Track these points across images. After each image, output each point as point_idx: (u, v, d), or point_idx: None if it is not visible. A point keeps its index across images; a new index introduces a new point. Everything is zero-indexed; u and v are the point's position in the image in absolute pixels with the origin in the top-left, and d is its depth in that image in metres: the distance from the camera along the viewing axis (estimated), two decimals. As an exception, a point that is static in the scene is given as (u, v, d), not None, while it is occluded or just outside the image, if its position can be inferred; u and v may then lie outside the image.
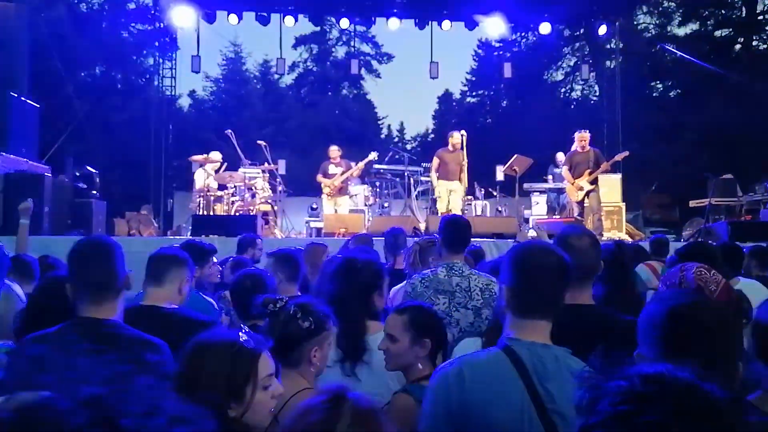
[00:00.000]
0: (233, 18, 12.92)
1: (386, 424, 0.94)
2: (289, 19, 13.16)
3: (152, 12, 15.32)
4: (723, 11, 22.72)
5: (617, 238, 7.83)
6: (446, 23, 13.33)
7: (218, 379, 1.37)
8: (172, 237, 8.99)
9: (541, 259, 1.63)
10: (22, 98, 8.47)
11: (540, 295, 1.61)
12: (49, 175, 8.20)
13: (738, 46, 22.33)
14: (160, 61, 14.04)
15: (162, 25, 14.23)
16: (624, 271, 2.95)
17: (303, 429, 0.89)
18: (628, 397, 0.66)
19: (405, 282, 3.19)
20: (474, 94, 32.11)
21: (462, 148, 9.04)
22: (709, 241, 5.51)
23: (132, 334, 1.84)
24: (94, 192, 9.39)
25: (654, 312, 1.37)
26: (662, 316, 1.35)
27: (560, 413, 1.44)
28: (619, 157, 9.07)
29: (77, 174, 9.41)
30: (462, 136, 9.00)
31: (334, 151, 9.79)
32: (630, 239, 8.82)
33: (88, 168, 9.72)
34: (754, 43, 22.12)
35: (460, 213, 8.86)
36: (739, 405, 0.67)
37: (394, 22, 13.24)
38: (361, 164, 9.89)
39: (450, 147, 9.09)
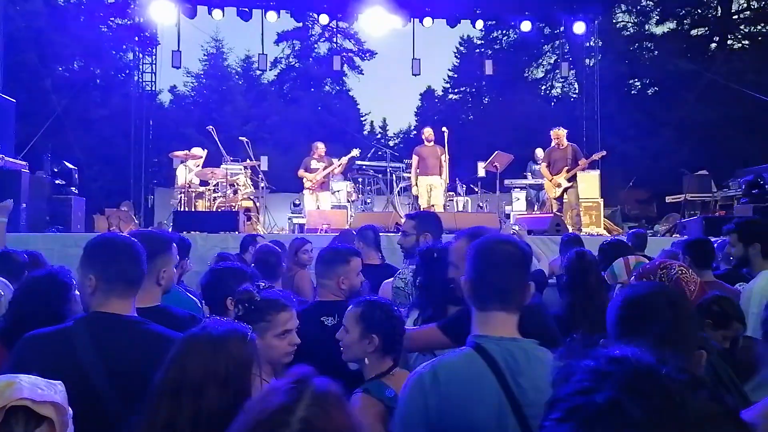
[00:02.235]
0: (217, 13, 12.79)
1: (347, 409, 0.93)
2: (271, 15, 13.08)
3: (131, 6, 15.12)
4: (699, 10, 23.13)
5: (589, 237, 7.96)
6: (428, 20, 13.38)
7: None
8: (153, 233, 8.90)
9: (497, 249, 1.61)
10: (-2, 93, 8.32)
11: (497, 286, 1.57)
12: (27, 171, 8.03)
13: (714, 45, 22.75)
14: (140, 56, 13.86)
15: (141, 19, 14.05)
16: (585, 280, 2.89)
17: (263, 408, 0.88)
18: (590, 374, 0.70)
19: (394, 276, 3.18)
20: (456, 90, 32.25)
21: (444, 145, 9.17)
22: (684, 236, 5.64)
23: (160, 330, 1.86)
24: (73, 188, 9.24)
25: (614, 300, 1.49)
26: (618, 302, 1.47)
27: (533, 407, 1.44)
28: (596, 156, 9.23)
29: (55, 170, 9.22)
30: (443, 132, 9.12)
31: (320, 147, 9.77)
32: (608, 234, 8.98)
33: (67, 164, 9.55)
34: (729, 41, 22.55)
35: (442, 208, 8.95)
36: (696, 386, 0.72)
37: (376, 19, 13.22)
38: (344, 160, 9.92)
39: (425, 142, 9.30)
